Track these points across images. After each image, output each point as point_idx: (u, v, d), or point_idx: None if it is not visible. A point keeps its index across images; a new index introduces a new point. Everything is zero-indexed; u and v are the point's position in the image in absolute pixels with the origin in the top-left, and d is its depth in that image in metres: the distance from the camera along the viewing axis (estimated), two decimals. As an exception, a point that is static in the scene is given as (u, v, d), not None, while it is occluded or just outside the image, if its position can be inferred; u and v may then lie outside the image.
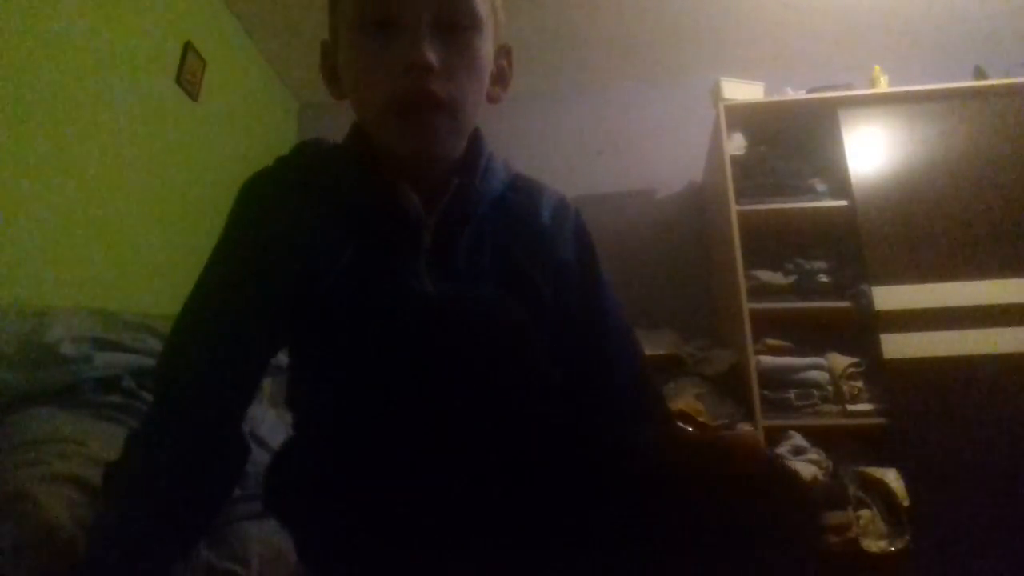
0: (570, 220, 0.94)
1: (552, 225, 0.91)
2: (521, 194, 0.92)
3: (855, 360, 2.52)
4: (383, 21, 0.74)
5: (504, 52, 0.89)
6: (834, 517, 2.24)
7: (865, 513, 2.27)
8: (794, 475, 0.71)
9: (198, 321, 0.81)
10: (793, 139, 2.92)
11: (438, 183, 0.83)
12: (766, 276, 2.70)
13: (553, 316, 0.86)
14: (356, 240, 0.80)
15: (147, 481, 0.74)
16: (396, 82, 0.73)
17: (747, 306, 2.54)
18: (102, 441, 1.17)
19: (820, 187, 2.72)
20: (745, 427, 2.40)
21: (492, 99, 0.88)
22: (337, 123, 3.52)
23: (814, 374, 2.55)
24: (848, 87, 2.78)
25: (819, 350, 2.62)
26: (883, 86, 2.77)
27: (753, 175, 2.79)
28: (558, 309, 0.87)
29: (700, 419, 2.41)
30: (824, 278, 2.68)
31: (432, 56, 0.72)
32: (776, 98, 2.85)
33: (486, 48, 0.80)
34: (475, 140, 0.89)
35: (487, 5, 0.81)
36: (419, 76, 0.72)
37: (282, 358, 0.88)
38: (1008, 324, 2.28)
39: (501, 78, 0.89)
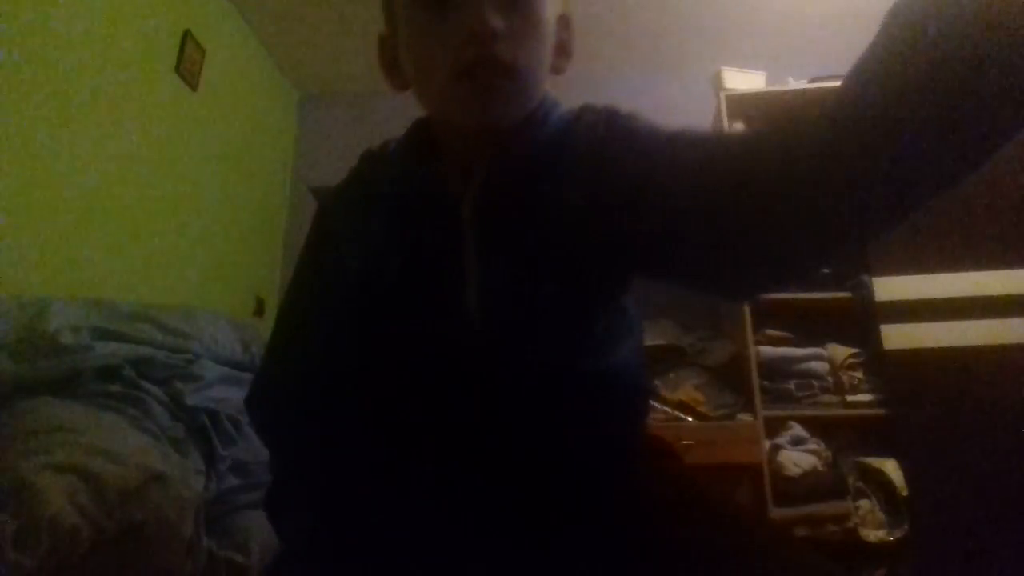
0: (600, 126, 0.78)
1: (592, 148, 0.76)
2: (579, 128, 0.79)
3: (855, 351, 2.52)
4: None
5: (564, 22, 0.82)
6: (833, 507, 2.25)
7: (864, 503, 2.27)
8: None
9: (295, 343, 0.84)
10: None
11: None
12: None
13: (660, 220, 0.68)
14: (404, 240, 0.78)
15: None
16: (460, 52, 0.67)
17: (747, 297, 2.54)
18: (102, 430, 1.18)
19: (821, 177, 2.72)
20: (745, 417, 2.41)
21: (556, 70, 0.82)
22: (337, 115, 3.51)
23: (814, 364, 2.55)
24: (850, 77, 2.76)
25: (819, 340, 2.62)
26: (885, 76, 2.76)
27: (754, 165, 2.78)
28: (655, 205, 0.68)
29: (700, 409, 2.41)
30: (824, 268, 2.68)
31: (495, 21, 0.67)
32: (778, 88, 2.84)
33: (550, 12, 0.75)
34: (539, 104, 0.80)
35: None
36: (483, 42, 0.67)
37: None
38: (1008, 315, 2.28)
39: (562, 49, 0.82)
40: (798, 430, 2.41)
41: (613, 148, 0.73)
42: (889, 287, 2.39)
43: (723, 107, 2.75)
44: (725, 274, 0.67)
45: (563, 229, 0.73)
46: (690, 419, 2.40)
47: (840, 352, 2.53)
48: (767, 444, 2.38)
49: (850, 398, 2.46)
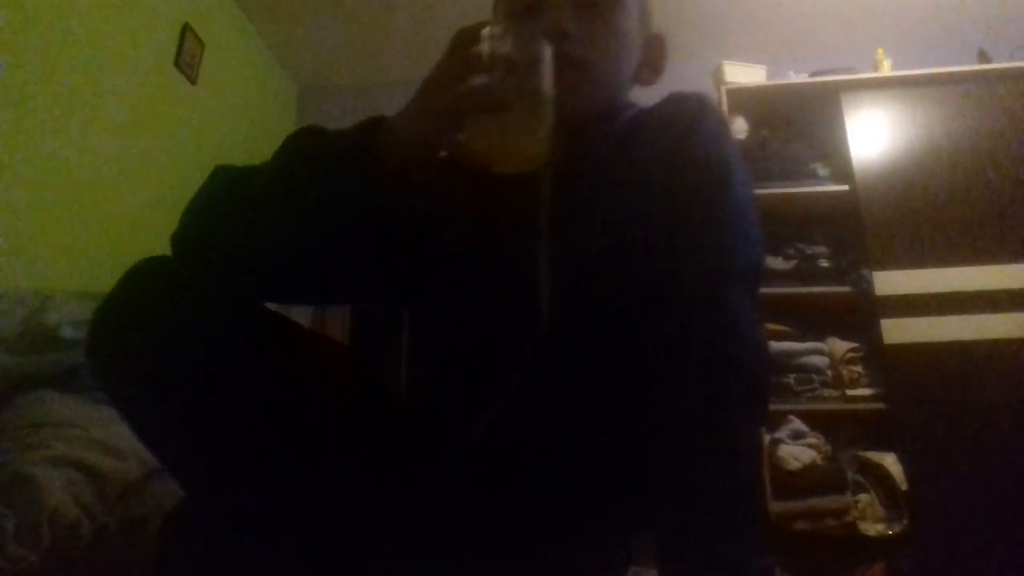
0: (677, 135, 0.81)
1: (660, 147, 0.81)
2: (638, 124, 0.86)
3: (855, 345, 2.52)
4: (531, 5, 0.85)
5: (655, 41, 0.96)
6: (833, 501, 2.25)
7: (863, 497, 2.28)
8: None
9: None
10: (795, 123, 2.91)
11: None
12: (767, 260, 2.69)
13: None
14: (473, 202, 0.81)
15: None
16: None
17: (747, 291, 2.53)
18: (102, 424, 1.18)
19: (822, 171, 2.71)
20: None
21: (643, 82, 0.96)
22: (337, 107, 3.50)
23: (814, 359, 2.55)
24: (851, 71, 2.76)
25: (819, 335, 2.62)
26: (886, 70, 2.75)
27: (755, 159, 2.78)
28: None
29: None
30: (825, 263, 2.67)
31: (569, 26, 0.81)
32: (778, 82, 2.83)
33: (626, 25, 0.88)
34: (617, 103, 0.91)
35: None
36: (553, 40, 0.73)
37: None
38: (1008, 310, 2.28)
39: (651, 64, 0.96)
40: (798, 424, 2.41)
41: (687, 148, 0.79)
42: (889, 281, 2.38)
43: (724, 101, 2.74)
44: None
45: (636, 201, 0.77)
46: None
47: (840, 346, 2.53)
48: (767, 438, 2.38)
49: (850, 392, 2.46)
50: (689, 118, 0.82)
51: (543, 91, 0.65)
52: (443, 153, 0.76)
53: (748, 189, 0.80)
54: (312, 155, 0.70)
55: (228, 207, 0.73)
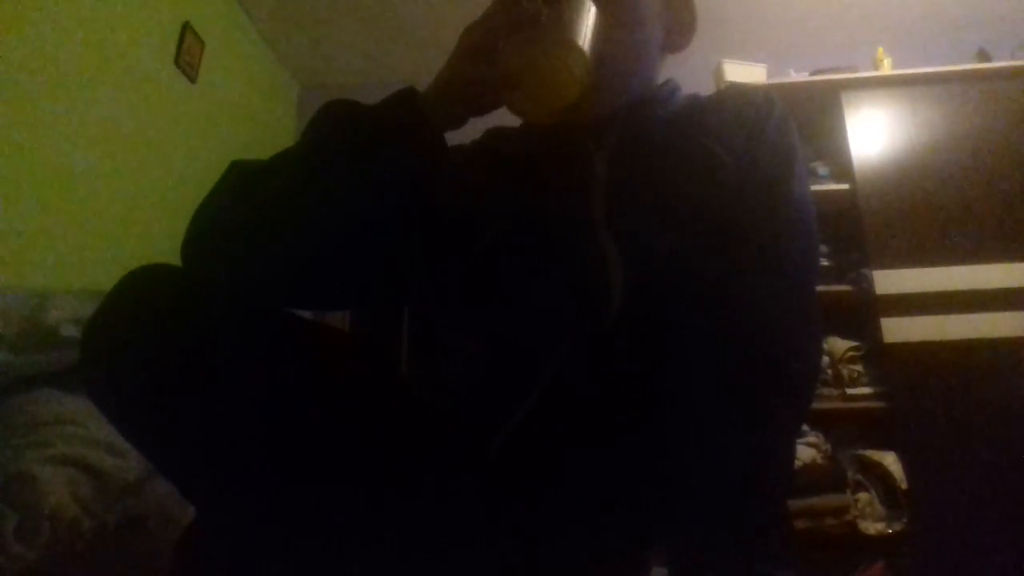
0: (747, 126, 0.80)
1: (723, 142, 0.77)
2: (698, 112, 0.82)
3: (855, 344, 2.51)
4: None
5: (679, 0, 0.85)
6: (833, 500, 2.25)
7: (863, 496, 2.28)
8: None
9: None
10: (795, 122, 2.90)
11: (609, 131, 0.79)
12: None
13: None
14: (525, 191, 0.78)
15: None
16: None
17: (747, 290, 2.53)
18: (103, 423, 1.18)
19: (822, 170, 2.71)
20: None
21: (674, 48, 0.86)
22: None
23: (814, 358, 2.54)
24: (851, 69, 2.75)
25: (819, 334, 2.62)
26: (886, 68, 2.75)
27: (755, 158, 2.77)
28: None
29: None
30: (825, 261, 2.67)
31: None
32: (779, 80, 2.83)
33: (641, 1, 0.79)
34: (652, 79, 0.85)
35: None
36: None
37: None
38: (1008, 309, 2.27)
39: (678, 27, 0.86)
40: (798, 423, 2.41)
41: (761, 143, 0.78)
42: (889, 280, 2.38)
43: (724, 100, 2.74)
44: None
45: (695, 178, 0.73)
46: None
47: (840, 345, 2.53)
48: (766, 437, 2.37)
49: (850, 391, 2.46)
50: (761, 110, 0.81)
51: (578, 7, 0.63)
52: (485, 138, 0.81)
53: (808, 186, 0.80)
54: (352, 125, 0.64)
55: (257, 198, 0.66)
